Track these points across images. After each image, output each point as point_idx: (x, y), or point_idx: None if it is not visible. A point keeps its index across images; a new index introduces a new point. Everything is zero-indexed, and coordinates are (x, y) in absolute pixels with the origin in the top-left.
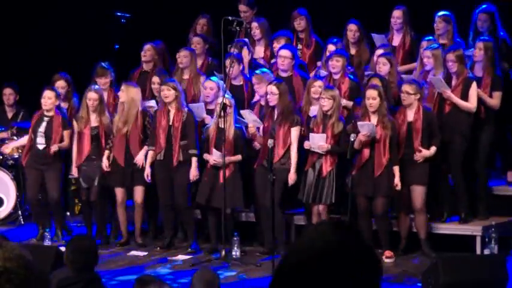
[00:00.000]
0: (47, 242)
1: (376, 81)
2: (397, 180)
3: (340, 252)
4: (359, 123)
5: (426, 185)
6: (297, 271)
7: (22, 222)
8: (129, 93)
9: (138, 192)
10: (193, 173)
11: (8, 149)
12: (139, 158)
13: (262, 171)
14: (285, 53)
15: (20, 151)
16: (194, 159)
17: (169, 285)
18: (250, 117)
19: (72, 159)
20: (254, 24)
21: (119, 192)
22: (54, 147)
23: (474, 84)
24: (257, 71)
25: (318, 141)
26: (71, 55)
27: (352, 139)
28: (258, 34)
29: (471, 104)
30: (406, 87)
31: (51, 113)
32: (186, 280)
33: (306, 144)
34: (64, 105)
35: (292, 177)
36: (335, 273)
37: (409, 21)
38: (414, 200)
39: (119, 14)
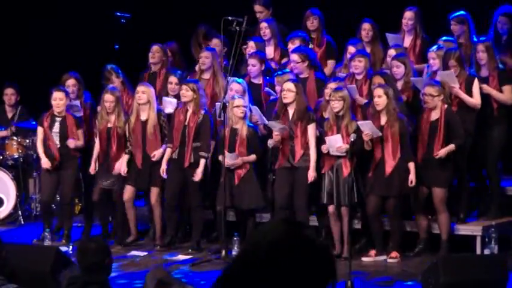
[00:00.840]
0: (47, 242)
1: (378, 80)
2: (412, 176)
3: (288, 246)
4: (359, 123)
5: (447, 187)
6: (244, 264)
7: (22, 222)
8: (148, 94)
9: (154, 193)
10: (199, 174)
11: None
12: (156, 155)
13: (281, 172)
14: (294, 57)
15: (21, 151)
16: (202, 161)
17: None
18: (277, 126)
19: (93, 156)
20: (263, 25)
21: (128, 189)
22: (71, 142)
23: (476, 81)
24: (279, 72)
25: (335, 143)
26: (71, 55)
27: (352, 139)
28: (267, 34)
29: (476, 101)
30: (429, 90)
31: (62, 114)
32: (185, 280)
33: (324, 148)
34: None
35: (311, 175)
36: (282, 268)
37: (421, 23)
38: (435, 201)
39: (118, 14)
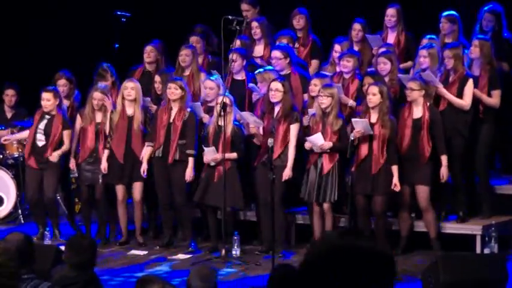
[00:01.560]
0: (47, 241)
1: (368, 81)
2: (395, 180)
3: (345, 255)
4: (353, 119)
5: (430, 185)
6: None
7: (22, 221)
8: (136, 90)
9: (137, 188)
10: (189, 173)
11: (7, 141)
12: (143, 154)
13: (262, 169)
14: (275, 53)
15: (21, 150)
16: (191, 160)
17: (173, 285)
18: (251, 118)
19: (71, 153)
20: (254, 24)
21: (120, 189)
22: (54, 155)
23: (470, 82)
24: (260, 69)
25: (317, 142)
26: (71, 55)
27: (352, 138)
28: (258, 33)
29: (464, 102)
30: (410, 84)
31: (53, 112)
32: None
33: (307, 145)
34: (65, 102)
35: (287, 173)
36: (343, 275)
37: (404, 20)
38: (420, 200)
39: (118, 13)
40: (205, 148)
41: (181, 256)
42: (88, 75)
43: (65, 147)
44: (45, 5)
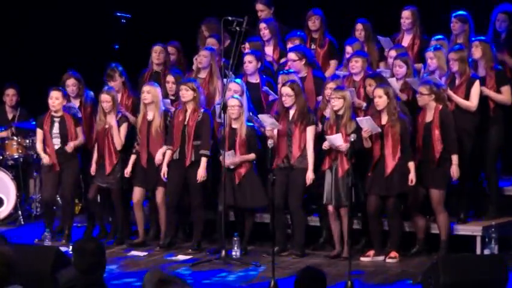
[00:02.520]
0: (47, 242)
1: (370, 82)
2: (412, 175)
3: None
4: (357, 119)
5: (443, 188)
6: None
7: (22, 223)
8: (153, 94)
9: (160, 193)
10: (201, 173)
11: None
12: (157, 157)
13: (279, 172)
14: (291, 56)
15: (21, 151)
16: (204, 160)
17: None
18: (268, 120)
19: (93, 157)
20: (262, 25)
21: (137, 191)
22: (70, 146)
23: (477, 83)
24: (284, 71)
25: (335, 142)
26: (71, 55)
27: (352, 139)
28: (266, 35)
29: (471, 103)
30: (421, 88)
31: (59, 113)
32: (187, 280)
33: (325, 145)
34: (76, 102)
35: (309, 177)
36: None
37: (419, 22)
38: (432, 202)
39: (119, 14)
40: (223, 152)
41: (181, 257)
42: (88, 76)
43: (79, 141)
44: (45, 5)
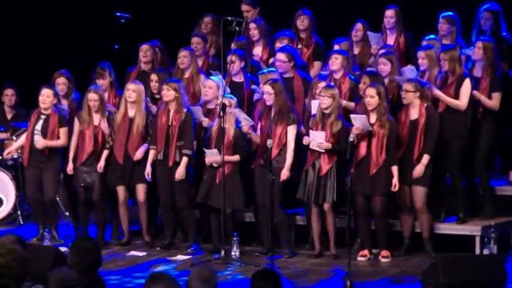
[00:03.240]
0: (47, 242)
1: (366, 81)
2: (395, 180)
3: None
4: (351, 115)
5: (427, 186)
6: None
7: (21, 222)
8: (137, 93)
9: (140, 190)
10: (180, 172)
11: (9, 153)
12: (138, 155)
13: (260, 170)
14: (279, 56)
15: (20, 151)
16: (184, 159)
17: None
18: (241, 115)
19: (69, 156)
20: (252, 25)
21: (121, 190)
22: (41, 142)
23: (466, 81)
24: (264, 70)
25: (318, 139)
26: (71, 55)
27: (351, 139)
28: (256, 34)
29: (460, 102)
30: (406, 86)
31: (48, 111)
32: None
33: (306, 140)
34: (64, 102)
35: (284, 174)
36: None
37: (402, 21)
38: (415, 200)
39: (118, 14)
40: (206, 150)
41: (180, 257)
42: (88, 76)
43: (60, 142)
44: (45, 5)
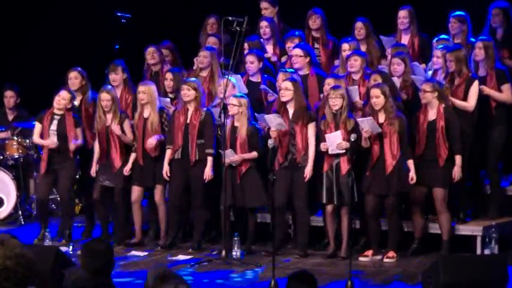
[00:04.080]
0: (47, 242)
1: (376, 78)
2: (412, 173)
3: None
4: (358, 119)
5: (447, 187)
6: None
7: (22, 223)
8: (148, 93)
9: (159, 191)
10: (208, 172)
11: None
12: (149, 143)
13: (282, 172)
14: (297, 51)
15: (21, 151)
16: (210, 159)
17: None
18: (275, 121)
19: (94, 158)
20: (263, 23)
21: (136, 190)
22: (72, 146)
23: (475, 83)
24: (287, 69)
25: (335, 140)
26: (71, 56)
27: (353, 139)
28: (267, 33)
29: (468, 103)
30: (424, 86)
31: (61, 112)
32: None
33: (323, 146)
34: (77, 97)
35: (308, 172)
36: None
37: (416, 21)
38: (436, 202)
39: (119, 14)
40: (221, 151)
41: (181, 257)
42: (89, 76)
43: (79, 142)
44: (45, 5)
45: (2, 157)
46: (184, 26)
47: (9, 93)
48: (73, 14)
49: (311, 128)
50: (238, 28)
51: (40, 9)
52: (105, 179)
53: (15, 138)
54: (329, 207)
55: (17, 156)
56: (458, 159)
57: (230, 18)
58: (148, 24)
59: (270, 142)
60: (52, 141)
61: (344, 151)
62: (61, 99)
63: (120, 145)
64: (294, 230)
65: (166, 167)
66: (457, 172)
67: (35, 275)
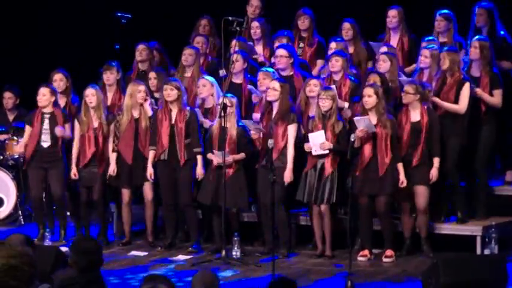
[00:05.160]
0: (47, 242)
1: (374, 78)
2: (402, 177)
3: None
4: (355, 118)
5: (429, 186)
6: None
7: (22, 223)
8: (136, 93)
9: (148, 189)
10: (199, 171)
11: (19, 148)
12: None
13: (263, 171)
14: (281, 52)
15: (21, 151)
16: (199, 157)
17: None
18: (252, 125)
19: (72, 161)
20: (255, 24)
21: (126, 192)
22: (59, 131)
23: (466, 86)
24: (265, 68)
25: (318, 140)
26: (71, 56)
27: (353, 139)
28: (258, 33)
29: (459, 106)
30: (406, 87)
31: (49, 109)
32: (188, 279)
33: (307, 147)
34: (62, 99)
35: (288, 175)
36: None
37: (405, 21)
38: (417, 200)
39: (119, 14)
40: (214, 152)
41: (181, 257)
42: (88, 76)
43: (67, 134)
44: (45, 5)
45: (2, 157)
46: (183, 26)
47: (7, 95)
48: (73, 14)
49: (291, 130)
50: (238, 28)
51: (40, 9)
52: (85, 180)
53: (15, 138)
54: (315, 208)
55: (17, 156)
56: (436, 161)
57: (230, 18)
58: (149, 24)
59: (270, 142)
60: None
61: (327, 151)
62: (41, 95)
63: (103, 147)
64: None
65: (150, 169)
66: (434, 174)
67: (38, 273)
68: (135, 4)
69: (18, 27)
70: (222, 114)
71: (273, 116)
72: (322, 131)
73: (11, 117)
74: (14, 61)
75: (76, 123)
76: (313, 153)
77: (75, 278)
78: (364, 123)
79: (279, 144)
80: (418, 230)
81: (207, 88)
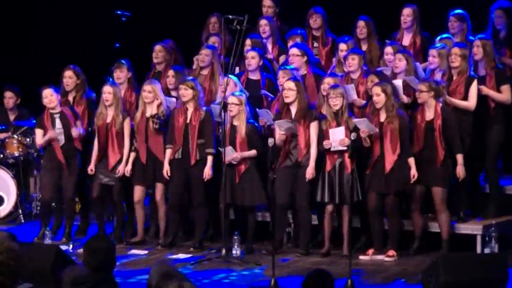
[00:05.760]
0: (47, 241)
1: (374, 79)
2: (413, 171)
3: None
4: (355, 120)
5: (446, 186)
6: None
7: (22, 221)
8: (153, 93)
9: (159, 190)
10: (207, 171)
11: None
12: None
13: (283, 171)
14: (294, 51)
15: (21, 150)
16: (210, 158)
17: (192, 283)
18: (285, 125)
19: (93, 156)
20: (263, 22)
21: (138, 190)
22: (75, 132)
23: (475, 83)
24: (286, 66)
25: (339, 136)
26: (71, 54)
27: (353, 138)
28: (267, 31)
29: (469, 103)
30: (420, 86)
31: (57, 109)
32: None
33: (326, 143)
34: (73, 94)
35: (309, 172)
36: None
37: (419, 20)
38: (435, 201)
39: (119, 12)
40: (220, 149)
41: (182, 256)
42: (89, 74)
43: (82, 132)
44: (46, 4)
45: (2, 155)
46: (184, 24)
47: (8, 94)
48: (73, 13)
49: (313, 127)
50: (238, 26)
51: (40, 8)
52: (105, 177)
53: (16, 136)
54: (329, 207)
55: (17, 155)
56: (460, 158)
57: (230, 16)
58: (149, 22)
59: (270, 141)
60: (50, 134)
61: (346, 148)
62: (49, 97)
63: (118, 143)
64: (294, 228)
65: (166, 167)
66: (461, 171)
67: (24, 268)
68: (135, 2)
69: (18, 27)
70: (222, 113)
71: (293, 115)
72: (343, 127)
73: (11, 116)
74: (14, 61)
75: (95, 119)
76: (332, 148)
77: (87, 276)
78: (364, 125)
79: (303, 143)
80: (440, 230)
81: (230, 87)
